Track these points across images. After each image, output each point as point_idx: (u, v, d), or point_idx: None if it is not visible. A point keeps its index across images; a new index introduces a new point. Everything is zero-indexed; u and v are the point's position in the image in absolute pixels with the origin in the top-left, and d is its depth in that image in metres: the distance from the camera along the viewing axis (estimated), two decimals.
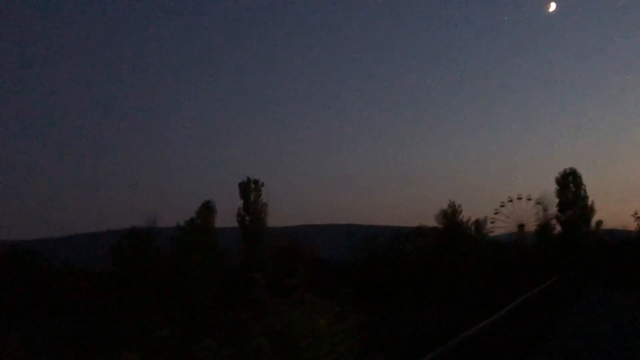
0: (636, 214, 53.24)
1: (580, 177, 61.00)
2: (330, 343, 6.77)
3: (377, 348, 7.56)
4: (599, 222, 61.40)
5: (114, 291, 39.90)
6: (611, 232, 62.06)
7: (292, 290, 7.29)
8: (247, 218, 55.06)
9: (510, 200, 78.38)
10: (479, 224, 60.47)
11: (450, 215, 58.32)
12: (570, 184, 60.83)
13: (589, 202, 60.89)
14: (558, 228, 61.44)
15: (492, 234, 69.07)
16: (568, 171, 61.13)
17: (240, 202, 55.57)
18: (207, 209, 52.78)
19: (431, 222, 60.90)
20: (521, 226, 76.15)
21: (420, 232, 61.47)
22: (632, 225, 56.41)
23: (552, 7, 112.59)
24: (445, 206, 58.80)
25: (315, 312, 6.93)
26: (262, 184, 55.94)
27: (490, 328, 14.58)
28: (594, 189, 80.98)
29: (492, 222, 72.50)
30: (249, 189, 55.57)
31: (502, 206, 78.80)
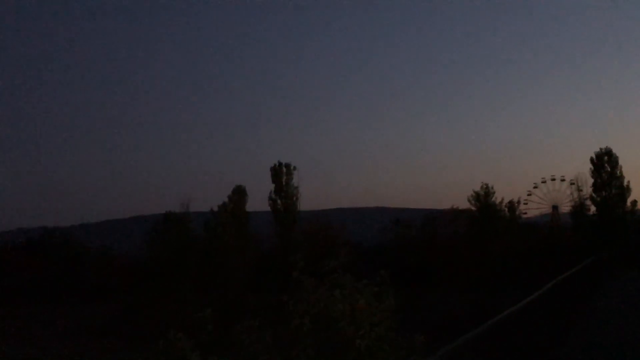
0: None
1: (616, 157, 59.88)
2: (369, 323, 6.88)
3: (414, 329, 7.66)
4: (635, 202, 60.29)
5: (150, 275, 40.73)
6: None
7: (330, 272, 7.41)
8: (279, 202, 55.44)
9: (544, 182, 77.53)
10: (512, 205, 59.99)
11: (483, 197, 57.93)
12: (605, 164, 59.75)
13: (625, 183, 59.80)
14: (593, 209, 60.53)
15: (525, 216, 68.46)
16: (603, 151, 60.01)
17: (271, 186, 55.98)
18: (239, 193, 53.36)
19: (464, 204, 60.62)
20: (555, 207, 75.33)
21: (454, 214, 61.31)
22: None
23: None
24: (478, 188, 58.43)
25: (354, 293, 7.04)
26: (294, 168, 56.23)
27: (523, 311, 14.56)
28: (630, 169, 79.40)
29: (526, 204, 71.84)
30: (280, 173, 55.92)
31: (536, 187, 77.98)
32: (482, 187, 58.46)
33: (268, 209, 56.17)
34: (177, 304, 31.91)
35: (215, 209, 51.11)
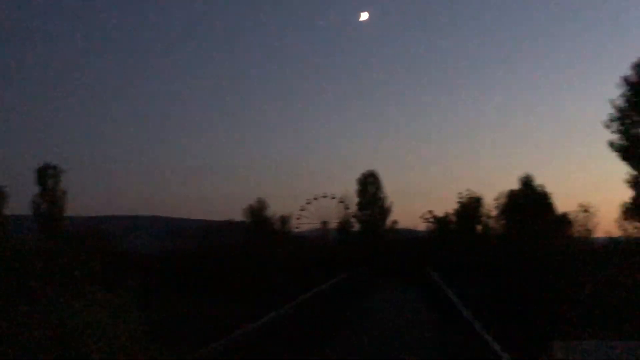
0: (424, 214, 57.92)
1: (379, 179, 65.36)
2: (111, 336, 6.69)
3: (162, 341, 7.59)
4: (394, 222, 66.21)
5: None
6: (402, 231, 67.29)
7: (77, 283, 7.08)
8: (43, 205, 51.49)
9: (316, 198, 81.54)
10: (285, 219, 62.31)
11: (258, 210, 59.40)
12: (369, 185, 64.90)
13: (386, 203, 65.38)
14: (357, 226, 65.24)
15: (298, 230, 71.60)
16: (368, 173, 65.16)
17: (36, 189, 51.84)
18: None
19: (239, 216, 61.50)
20: (324, 223, 79.55)
21: (229, 226, 61.82)
22: (420, 226, 61.48)
23: (364, 16, 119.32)
24: (253, 201, 59.77)
25: (96, 304, 6.81)
26: (62, 170, 52.67)
27: (274, 322, 15.29)
28: (391, 190, 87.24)
29: (299, 219, 75.04)
30: (46, 175, 52.00)
31: (309, 203, 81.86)
32: (257, 200, 59.96)
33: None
34: None
35: None
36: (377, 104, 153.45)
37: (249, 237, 57.89)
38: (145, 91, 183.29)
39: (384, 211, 65.43)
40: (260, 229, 58.50)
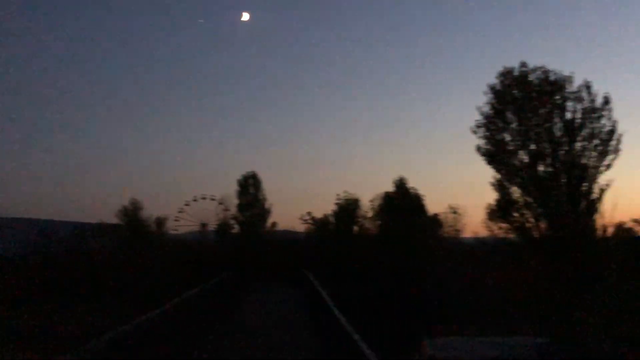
0: (303, 216, 58.46)
1: (259, 180, 65.16)
2: None
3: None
4: (274, 223, 66.24)
5: None
6: (281, 233, 67.51)
7: None
8: None
9: (195, 200, 79.95)
10: (161, 221, 60.54)
11: (132, 212, 57.29)
12: (250, 187, 64.52)
13: (266, 204, 65.29)
14: (237, 227, 64.67)
15: (176, 232, 69.78)
16: (249, 174, 64.79)
17: None
18: None
19: (113, 219, 59.03)
20: (204, 225, 78.18)
21: (102, 229, 59.19)
22: (300, 227, 61.98)
23: (245, 16, 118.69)
24: (126, 203, 57.59)
25: None
26: None
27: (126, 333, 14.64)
28: (271, 191, 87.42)
29: (177, 220, 73.20)
30: None
31: (187, 205, 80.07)
32: (130, 201, 57.81)
33: None
34: None
35: None
36: (258, 105, 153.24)
37: (122, 239, 55.71)
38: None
39: (264, 212, 65.30)
40: (134, 231, 56.37)
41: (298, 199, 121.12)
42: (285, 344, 18.76)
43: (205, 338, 19.37)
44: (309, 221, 56.36)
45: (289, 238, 64.62)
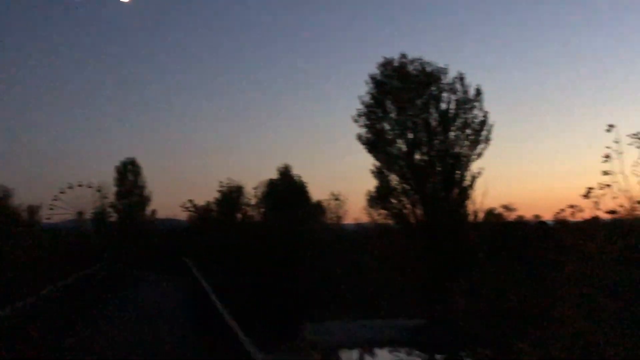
0: (185, 203, 57.17)
1: (139, 167, 63.03)
2: None
3: None
4: (154, 211, 64.43)
5: None
6: (162, 221, 65.87)
7: None
8: None
9: (71, 187, 76.12)
10: (34, 209, 57.13)
11: (1, 199, 53.65)
12: (129, 173, 62.29)
13: (146, 192, 63.33)
14: (115, 215, 62.33)
15: (50, 221, 66.06)
16: (128, 160, 62.50)
17: None
18: None
19: None
20: (80, 213, 74.64)
21: None
22: (181, 215, 60.67)
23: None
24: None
25: None
26: None
27: None
28: (151, 178, 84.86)
29: (52, 209, 69.35)
30: None
31: (63, 193, 76.03)
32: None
33: None
34: None
35: None
36: (138, 90, 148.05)
37: None
38: None
39: (144, 200, 63.35)
40: (2, 219, 52.74)
41: (180, 187, 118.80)
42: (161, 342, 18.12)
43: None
44: (191, 209, 55.26)
45: (170, 226, 63.18)
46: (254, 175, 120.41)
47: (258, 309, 36.95)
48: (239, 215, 50.16)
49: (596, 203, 13.86)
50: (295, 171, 50.24)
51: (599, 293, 12.77)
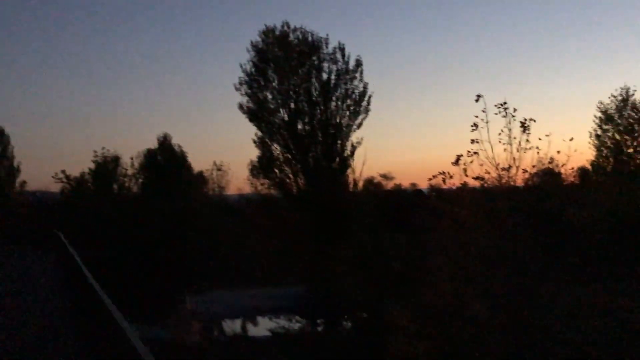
0: (57, 174, 54.18)
1: (7, 137, 58.86)
2: None
3: None
4: (24, 183, 60.59)
5: None
6: (35, 193, 62.09)
7: None
8: None
9: None
10: None
11: None
12: None
13: (15, 162, 59.37)
14: None
15: None
16: None
17: None
18: None
19: None
20: None
21: None
22: (54, 187, 57.50)
23: None
24: None
25: None
26: None
27: None
28: (20, 148, 79.60)
29: None
30: None
31: None
32: None
33: None
34: None
35: None
36: (6, 55, 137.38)
37: None
38: None
39: (13, 171, 59.32)
40: None
41: (52, 157, 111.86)
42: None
43: None
44: (64, 180, 52.37)
45: (41, 199, 59.69)
46: (132, 145, 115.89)
47: (137, 281, 36.00)
48: (116, 187, 48.22)
49: (465, 170, 14.58)
50: (176, 141, 48.88)
51: (468, 256, 13.49)
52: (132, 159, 47.74)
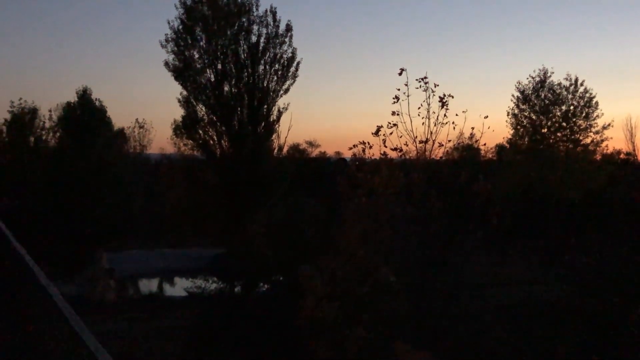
0: None
1: None
2: None
3: None
4: None
5: None
6: None
7: None
8: None
9: None
10: None
11: None
12: None
13: None
14: None
15: None
16: None
17: None
18: None
19: None
20: None
21: None
22: None
23: None
24: None
25: None
26: None
27: None
28: None
29: None
30: None
31: None
32: None
33: None
34: None
35: None
36: None
37: None
38: None
39: None
40: None
41: None
42: None
43: None
44: None
45: None
46: (52, 98, 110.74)
47: (52, 238, 35.08)
48: (32, 140, 46.26)
49: (384, 141, 15.01)
50: (96, 95, 47.13)
51: (381, 225, 14.00)
52: (50, 111, 45.85)
